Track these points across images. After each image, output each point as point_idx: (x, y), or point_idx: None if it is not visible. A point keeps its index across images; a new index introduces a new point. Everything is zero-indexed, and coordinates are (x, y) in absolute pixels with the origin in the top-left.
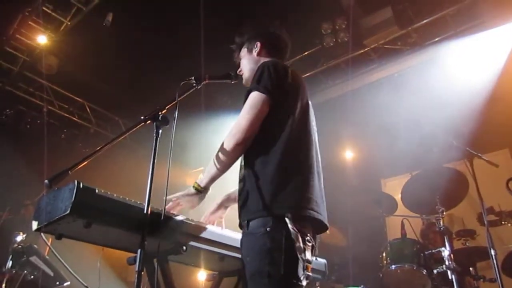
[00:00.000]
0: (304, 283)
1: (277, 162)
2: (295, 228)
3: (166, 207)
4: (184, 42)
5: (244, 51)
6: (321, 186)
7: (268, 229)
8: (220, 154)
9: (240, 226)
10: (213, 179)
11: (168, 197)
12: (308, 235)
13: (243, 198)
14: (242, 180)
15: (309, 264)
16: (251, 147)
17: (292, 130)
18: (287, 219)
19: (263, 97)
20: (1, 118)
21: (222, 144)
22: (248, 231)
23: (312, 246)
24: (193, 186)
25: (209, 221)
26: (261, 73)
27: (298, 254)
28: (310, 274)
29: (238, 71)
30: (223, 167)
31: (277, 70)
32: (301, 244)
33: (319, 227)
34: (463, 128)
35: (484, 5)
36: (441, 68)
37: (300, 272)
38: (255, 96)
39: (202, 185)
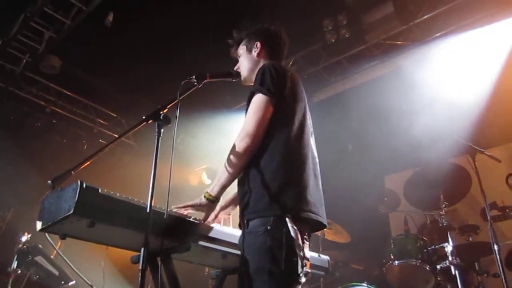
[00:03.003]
0: (303, 279)
1: (277, 164)
2: (294, 226)
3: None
4: (187, 41)
5: (243, 49)
6: (319, 186)
7: (268, 227)
8: (231, 159)
9: (240, 226)
10: (224, 187)
11: (177, 206)
12: (306, 234)
13: (244, 198)
14: (242, 180)
15: (307, 261)
16: None
17: (292, 132)
18: (287, 219)
19: (267, 99)
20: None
21: (232, 149)
22: (248, 230)
23: (308, 244)
24: (205, 196)
25: (217, 219)
26: (263, 75)
27: (297, 252)
28: (309, 271)
29: (236, 68)
30: (234, 172)
31: (278, 73)
32: (300, 242)
33: (317, 227)
34: (465, 123)
35: (486, 0)
36: (443, 63)
37: (299, 269)
38: (260, 99)
39: (213, 194)
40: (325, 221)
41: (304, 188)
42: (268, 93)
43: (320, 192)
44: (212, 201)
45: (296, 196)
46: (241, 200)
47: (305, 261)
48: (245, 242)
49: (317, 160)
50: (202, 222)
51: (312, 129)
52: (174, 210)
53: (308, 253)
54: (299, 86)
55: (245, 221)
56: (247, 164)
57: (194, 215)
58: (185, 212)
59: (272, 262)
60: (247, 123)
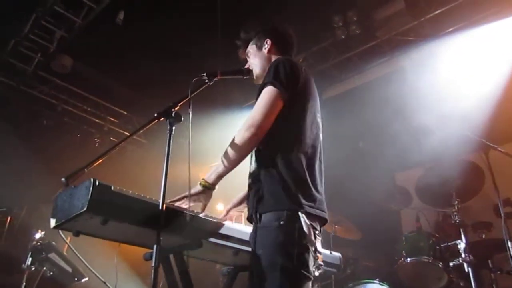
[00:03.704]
0: (316, 273)
1: (291, 160)
2: (307, 221)
3: (175, 204)
4: (197, 39)
5: (252, 48)
6: (323, 182)
7: (282, 222)
8: (231, 149)
9: (250, 219)
10: (221, 176)
11: (172, 200)
12: (317, 229)
13: (255, 192)
14: (254, 174)
15: (319, 255)
16: (265, 142)
17: (303, 127)
18: (300, 213)
19: (278, 92)
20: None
21: (233, 139)
22: (260, 225)
23: (320, 240)
24: (200, 183)
25: (229, 216)
26: (277, 69)
27: (310, 247)
28: (322, 264)
29: (246, 67)
30: (234, 162)
31: (292, 68)
32: (313, 237)
33: (323, 222)
34: (478, 119)
35: None
36: (454, 58)
37: (311, 264)
38: (270, 91)
39: (210, 181)
40: (327, 216)
41: (313, 184)
42: (280, 87)
43: (323, 189)
44: (209, 188)
45: (308, 193)
46: (254, 194)
47: (317, 254)
48: (257, 237)
49: (323, 157)
50: (201, 211)
51: (321, 126)
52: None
53: (320, 247)
54: (312, 83)
55: (258, 215)
56: (258, 160)
57: (193, 207)
58: (182, 204)
59: (284, 257)
60: (254, 113)
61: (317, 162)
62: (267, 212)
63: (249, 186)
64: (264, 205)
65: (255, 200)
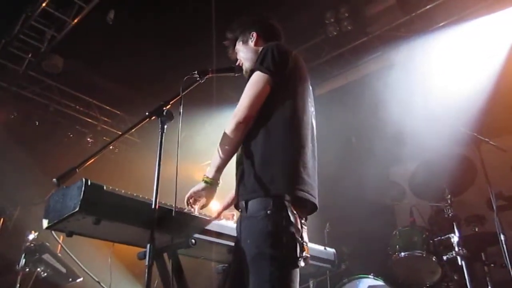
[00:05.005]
0: (302, 263)
1: (276, 143)
2: (294, 211)
3: (187, 207)
4: (190, 37)
5: (239, 44)
6: (316, 168)
7: (268, 211)
8: (223, 139)
9: (237, 206)
10: (220, 168)
11: (185, 203)
12: (303, 218)
13: (242, 177)
14: (240, 159)
15: (305, 246)
16: (254, 126)
17: (292, 111)
18: (286, 202)
19: (265, 76)
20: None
21: (225, 129)
22: (247, 214)
23: (306, 229)
24: (203, 180)
25: (221, 217)
26: (265, 54)
27: (297, 236)
28: (308, 255)
29: (237, 64)
30: (227, 152)
31: (280, 52)
32: (299, 226)
33: (313, 209)
34: (470, 113)
35: None
36: (446, 53)
37: (298, 253)
38: (257, 76)
39: (210, 176)
40: (317, 203)
41: (303, 168)
42: (266, 71)
43: (316, 175)
44: (211, 183)
45: (294, 176)
46: (239, 179)
47: (304, 245)
48: (245, 227)
49: (315, 142)
50: (199, 209)
51: (314, 112)
52: (187, 207)
53: (306, 237)
54: (302, 67)
55: (244, 203)
56: (245, 145)
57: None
58: (198, 203)
59: (273, 247)
60: (241, 100)
61: (309, 146)
62: (252, 200)
63: (237, 171)
64: (248, 191)
65: (240, 186)
